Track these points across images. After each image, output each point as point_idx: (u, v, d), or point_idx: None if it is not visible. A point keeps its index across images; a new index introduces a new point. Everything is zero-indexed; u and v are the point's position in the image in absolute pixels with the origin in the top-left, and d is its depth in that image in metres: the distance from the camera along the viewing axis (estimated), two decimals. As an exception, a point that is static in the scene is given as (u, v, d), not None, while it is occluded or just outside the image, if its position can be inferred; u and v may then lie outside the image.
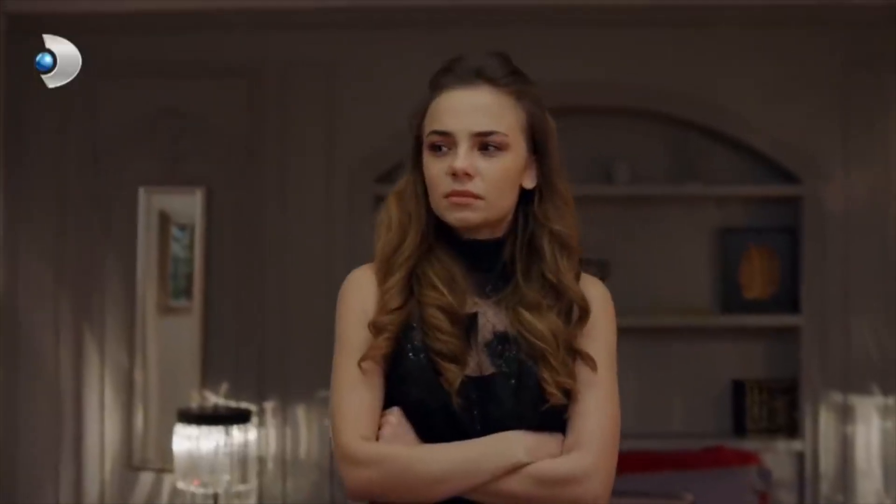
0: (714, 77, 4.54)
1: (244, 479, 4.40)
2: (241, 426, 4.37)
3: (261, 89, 4.59)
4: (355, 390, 1.87)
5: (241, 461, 4.37)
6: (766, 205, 4.66)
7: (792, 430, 4.57)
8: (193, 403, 4.50)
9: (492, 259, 1.93)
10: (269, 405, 4.55)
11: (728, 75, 4.54)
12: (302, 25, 4.57)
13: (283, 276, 4.58)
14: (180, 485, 4.37)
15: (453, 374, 1.83)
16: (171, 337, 4.66)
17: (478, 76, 1.90)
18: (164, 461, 4.51)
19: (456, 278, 1.90)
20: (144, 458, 4.59)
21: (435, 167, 1.89)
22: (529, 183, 1.94)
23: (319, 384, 4.53)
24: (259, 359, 4.56)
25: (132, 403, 4.59)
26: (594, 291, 1.94)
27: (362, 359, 1.86)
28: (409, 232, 1.93)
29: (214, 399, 4.53)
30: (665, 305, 4.59)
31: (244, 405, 4.49)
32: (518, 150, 1.90)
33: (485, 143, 1.87)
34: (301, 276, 4.57)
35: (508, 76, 1.91)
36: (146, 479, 4.59)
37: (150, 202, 4.63)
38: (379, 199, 4.49)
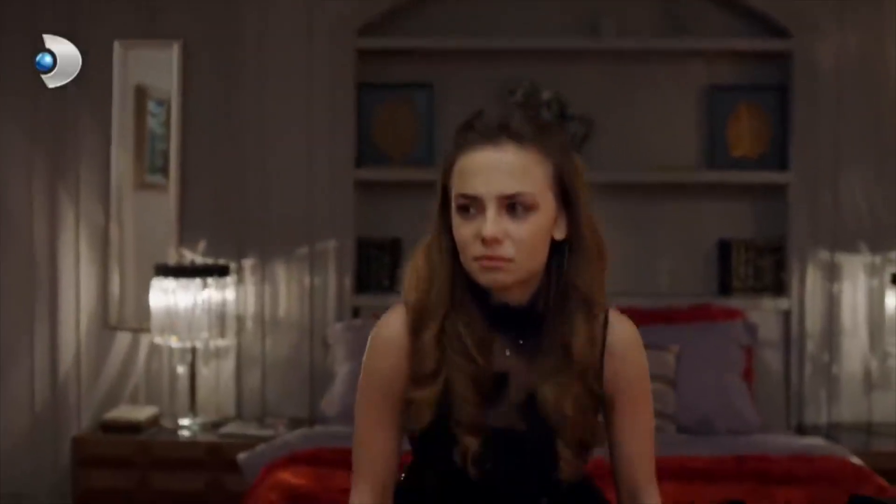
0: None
1: (223, 335, 4.33)
2: (219, 279, 4.29)
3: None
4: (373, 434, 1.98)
5: (219, 318, 4.30)
6: (755, 62, 4.55)
7: (778, 289, 4.50)
8: (171, 261, 4.42)
9: (522, 321, 1.94)
10: (247, 262, 4.47)
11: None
12: None
13: (263, 134, 4.47)
14: (157, 340, 4.30)
15: (468, 445, 1.88)
16: (148, 210, 4.57)
17: (501, 133, 1.88)
18: (141, 321, 4.43)
19: (486, 337, 1.92)
20: (121, 318, 4.50)
21: (464, 229, 1.88)
22: (559, 234, 1.93)
23: (299, 240, 4.46)
24: (238, 217, 4.47)
25: (108, 263, 4.50)
26: (623, 333, 1.98)
27: (407, 428, 1.96)
28: (439, 288, 1.93)
29: (192, 256, 4.45)
30: (651, 163, 4.50)
31: (222, 262, 4.42)
32: (547, 207, 1.88)
33: (512, 204, 1.86)
34: (282, 134, 4.47)
35: (533, 131, 1.89)
36: (123, 338, 4.51)
37: (127, 72, 4.51)
38: (361, 53, 4.46)
